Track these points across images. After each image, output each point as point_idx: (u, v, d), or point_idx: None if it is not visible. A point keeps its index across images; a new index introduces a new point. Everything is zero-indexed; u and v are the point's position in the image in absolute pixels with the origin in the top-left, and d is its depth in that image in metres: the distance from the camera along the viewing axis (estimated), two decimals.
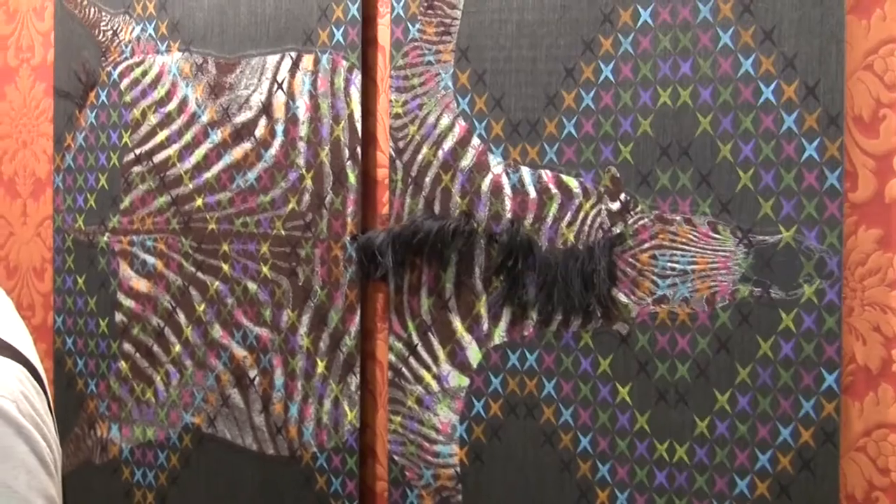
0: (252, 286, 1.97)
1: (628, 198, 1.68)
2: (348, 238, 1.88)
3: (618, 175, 1.69)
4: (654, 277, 1.67)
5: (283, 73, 1.94)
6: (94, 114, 2.13)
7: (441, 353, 1.82)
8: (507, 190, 1.77)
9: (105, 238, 2.12)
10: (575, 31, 1.73)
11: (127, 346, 2.10)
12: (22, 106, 2.28)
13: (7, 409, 1.00)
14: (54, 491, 1.06)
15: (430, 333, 1.83)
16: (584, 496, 1.72)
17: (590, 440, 1.72)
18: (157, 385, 2.07)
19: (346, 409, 1.90)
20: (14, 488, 1.01)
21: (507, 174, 1.77)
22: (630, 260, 1.69)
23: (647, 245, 1.67)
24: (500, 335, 1.78)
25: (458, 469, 1.82)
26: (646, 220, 1.67)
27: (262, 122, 1.96)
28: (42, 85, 2.24)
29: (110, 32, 2.12)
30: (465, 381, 1.81)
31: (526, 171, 1.76)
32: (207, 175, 2.01)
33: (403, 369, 1.85)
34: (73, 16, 2.16)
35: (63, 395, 2.17)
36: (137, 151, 2.08)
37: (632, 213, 1.68)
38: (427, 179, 1.83)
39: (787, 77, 1.59)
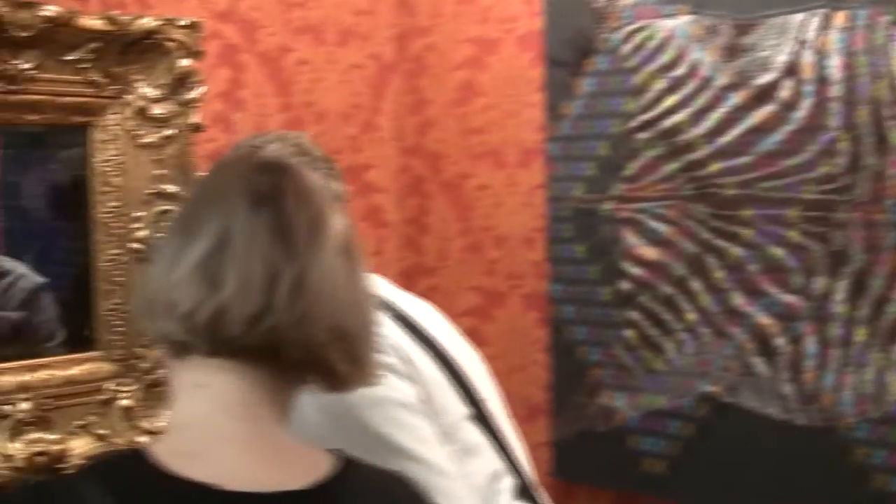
0: (778, 252, 1.92)
1: None
2: (892, 201, 1.80)
3: None
4: None
5: (811, 32, 1.87)
6: (592, 81, 2.12)
7: None
8: None
9: (608, 206, 2.11)
10: None
11: (633, 315, 2.09)
12: (507, 76, 2.28)
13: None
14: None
15: None
16: None
17: None
18: (668, 353, 2.05)
19: (891, 378, 1.82)
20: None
21: None
22: None
23: None
24: None
25: None
26: None
27: (787, 83, 1.89)
28: (528, 54, 2.23)
29: None
30: None
31: None
32: (724, 139, 1.96)
33: None
34: None
35: (562, 363, 2.18)
36: (643, 118, 2.06)
37: None
38: None
39: None
